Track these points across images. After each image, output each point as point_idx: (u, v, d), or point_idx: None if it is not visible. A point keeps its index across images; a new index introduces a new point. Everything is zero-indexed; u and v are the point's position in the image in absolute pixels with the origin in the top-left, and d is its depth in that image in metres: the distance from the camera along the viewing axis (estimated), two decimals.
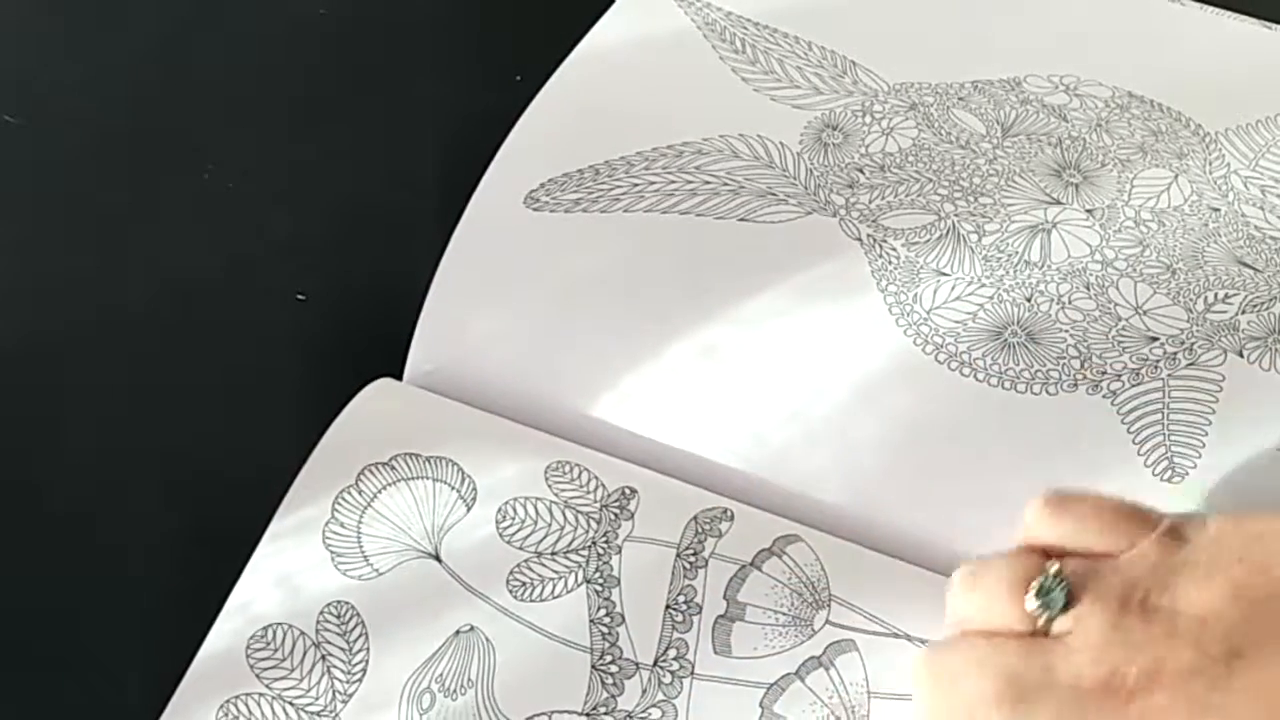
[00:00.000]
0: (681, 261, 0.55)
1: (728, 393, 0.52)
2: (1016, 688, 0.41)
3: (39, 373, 0.56)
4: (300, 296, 0.57)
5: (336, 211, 0.59)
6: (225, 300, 0.57)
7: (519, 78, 0.62)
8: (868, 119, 0.57)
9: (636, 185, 0.56)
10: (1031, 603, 0.42)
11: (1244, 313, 0.51)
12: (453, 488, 0.51)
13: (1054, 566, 0.42)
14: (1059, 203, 0.55)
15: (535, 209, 0.56)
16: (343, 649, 0.49)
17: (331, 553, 0.50)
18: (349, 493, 0.51)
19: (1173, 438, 0.49)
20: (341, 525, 0.51)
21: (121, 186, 0.60)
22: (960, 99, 0.58)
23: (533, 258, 0.55)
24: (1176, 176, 0.55)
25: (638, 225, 0.55)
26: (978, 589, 0.43)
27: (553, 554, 0.50)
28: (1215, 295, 0.52)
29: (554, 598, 0.49)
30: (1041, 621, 0.42)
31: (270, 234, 0.59)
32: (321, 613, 0.50)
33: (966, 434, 0.50)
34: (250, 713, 0.48)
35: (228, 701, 0.49)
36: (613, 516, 0.50)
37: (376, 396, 0.53)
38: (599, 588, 0.49)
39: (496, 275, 0.55)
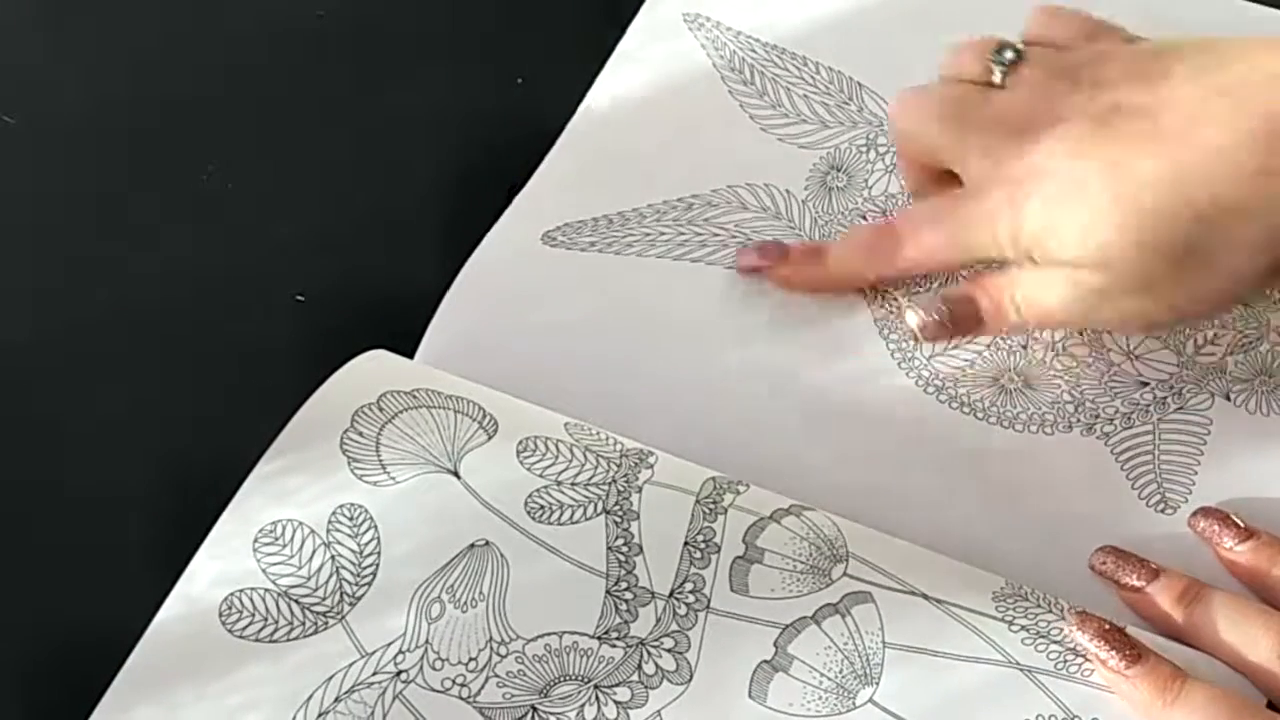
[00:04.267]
0: (693, 304, 0.55)
1: (733, 426, 0.53)
2: (957, 108, 0.51)
3: (39, 372, 0.56)
4: (300, 297, 0.57)
5: (336, 212, 0.59)
6: (225, 301, 0.57)
7: (519, 80, 0.62)
8: (872, 155, 0.58)
9: (649, 235, 0.57)
10: (989, 56, 0.51)
11: (1231, 354, 0.53)
12: (473, 419, 0.50)
13: (1016, 41, 0.51)
14: None
15: (552, 246, 0.57)
16: (353, 551, 0.48)
17: (348, 458, 0.49)
18: (369, 408, 0.50)
19: (1164, 476, 0.51)
20: (360, 434, 0.50)
21: (121, 186, 0.60)
22: None
23: (545, 287, 0.56)
24: None
25: (650, 268, 0.56)
26: (961, 50, 0.52)
27: (573, 484, 0.49)
28: (1204, 336, 0.53)
29: (572, 523, 0.48)
30: (996, 76, 0.51)
31: (270, 234, 0.58)
32: (333, 513, 0.49)
33: (969, 467, 0.51)
34: (254, 607, 0.47)
35: (231, 595, 0.48)
36: (633, 464, 0.49)
37: (386, 358, 0.53)
38: (618, 519, 0.48)
39: (506, 302, 0.56)
